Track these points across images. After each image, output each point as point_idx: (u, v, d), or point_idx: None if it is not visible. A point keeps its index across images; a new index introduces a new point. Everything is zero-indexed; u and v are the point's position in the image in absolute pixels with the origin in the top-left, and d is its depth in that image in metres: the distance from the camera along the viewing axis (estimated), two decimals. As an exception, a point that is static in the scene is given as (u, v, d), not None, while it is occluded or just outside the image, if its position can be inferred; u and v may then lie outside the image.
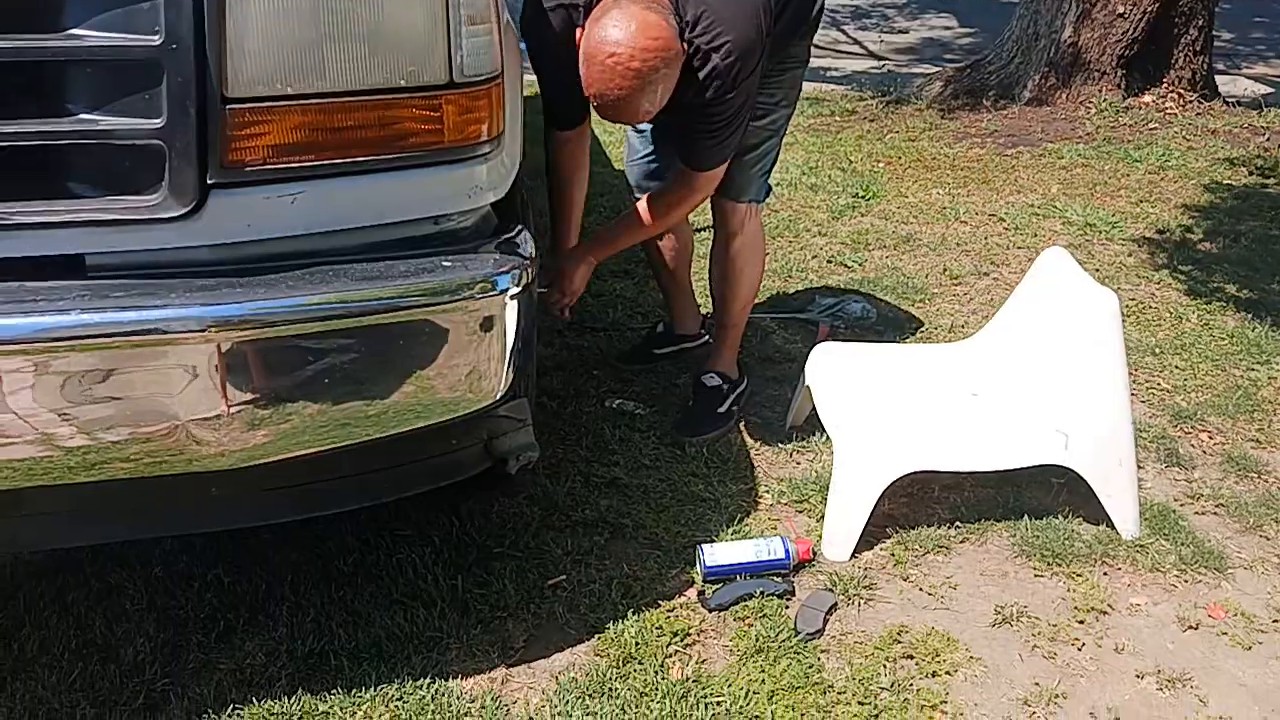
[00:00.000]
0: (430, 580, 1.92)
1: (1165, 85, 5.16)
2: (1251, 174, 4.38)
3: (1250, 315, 3.07)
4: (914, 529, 2.09)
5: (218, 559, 1.95)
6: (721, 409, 2.47)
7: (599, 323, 3.01)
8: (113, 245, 1.39)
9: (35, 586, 1.89)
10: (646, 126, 2.49)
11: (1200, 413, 2.55)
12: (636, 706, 1.67)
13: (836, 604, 1.90)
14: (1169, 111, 5.06)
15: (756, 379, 2.69)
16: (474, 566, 1.97)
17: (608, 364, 2.77)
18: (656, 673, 1.74)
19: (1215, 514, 2.18)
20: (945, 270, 3.42)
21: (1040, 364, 2.16)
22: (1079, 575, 1.98)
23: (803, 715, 1.65)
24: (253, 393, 1.43)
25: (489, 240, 1.63)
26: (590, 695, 1.69)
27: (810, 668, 1.75)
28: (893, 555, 2.03)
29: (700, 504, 2.19)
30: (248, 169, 1.39)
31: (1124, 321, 2.97)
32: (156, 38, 1.29)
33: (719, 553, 1.97)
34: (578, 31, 1.94)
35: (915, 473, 2.07)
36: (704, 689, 1.70)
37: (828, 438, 2.18)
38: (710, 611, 1.89)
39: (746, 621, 1.86)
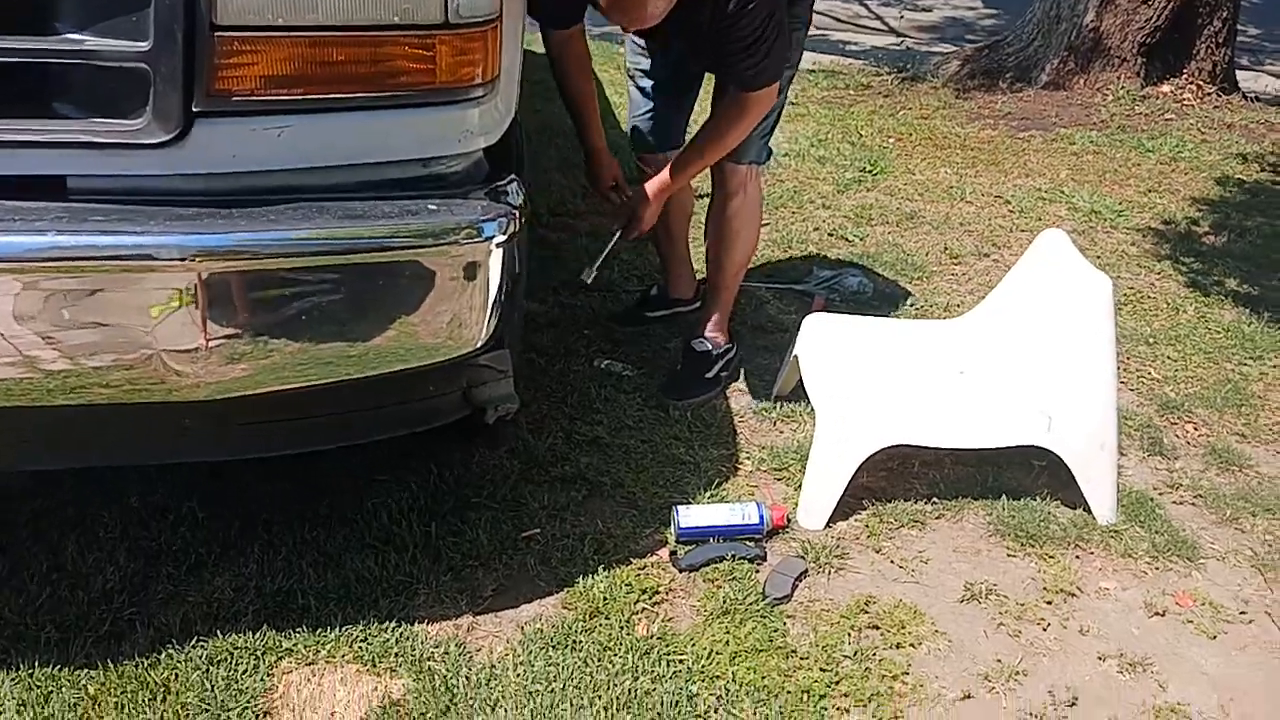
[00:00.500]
0: (404, 526, 1.93)
1: (1185, 76, 5.11)
2: (1264, 170, 4.34)
3: (1248, 310, 3.06)
4: (890, 502, 2.10)
5: (194, 494, 1.96)
6: (709, 374, 2.47)
7: (594, 283, 2.99)
8: (95, 169, 1.38)
9: (9, 509, 1.90)
10: (649, 82, 2.46)
11: (1188, 404, 2.54)
12: (599, 660, 1.68)
13: (807, 571, 1.91)
14: (1186, 103, 5.01)
15: (748, 348, 2.68)
16: (449, 515, 1.98)
17: (599, 324, 2.76)
18: (622, 628, 1.75)
19: (1193, 504, 2.18)
20: (946, 249, 3.40)
21: (1030, 345, 2.15)
22: (1051, 557, 1.98)
23: (764, 678, 1.66)
24: (232, 325, 1.43)
25: (479, 187, 1.62)
26: (554, 646, 1.70)
27: (775, 632, 1.75)
28: (867, 527, 2.04)
29: (679, 466, 2.19)
30: (234, 98, 1.37)
31: (1121, 310, 2.98)
32: (145, -42, 1.27)
33: (694, 514, 1.98)
34: None
35: (896, 446, 2.07)
36: (668, 646, 1.71)
37: (812, 409, 2.18)
38: (681, 571, 1.90)
39: (716, 583, 1.87)
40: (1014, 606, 1.86)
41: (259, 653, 1.65)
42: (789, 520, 2.03)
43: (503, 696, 1.61)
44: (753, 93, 2.12)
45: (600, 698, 1.60)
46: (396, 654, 1.67)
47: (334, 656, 1.66)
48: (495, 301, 1.59)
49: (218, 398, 1.47)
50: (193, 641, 1.66)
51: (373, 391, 1.63)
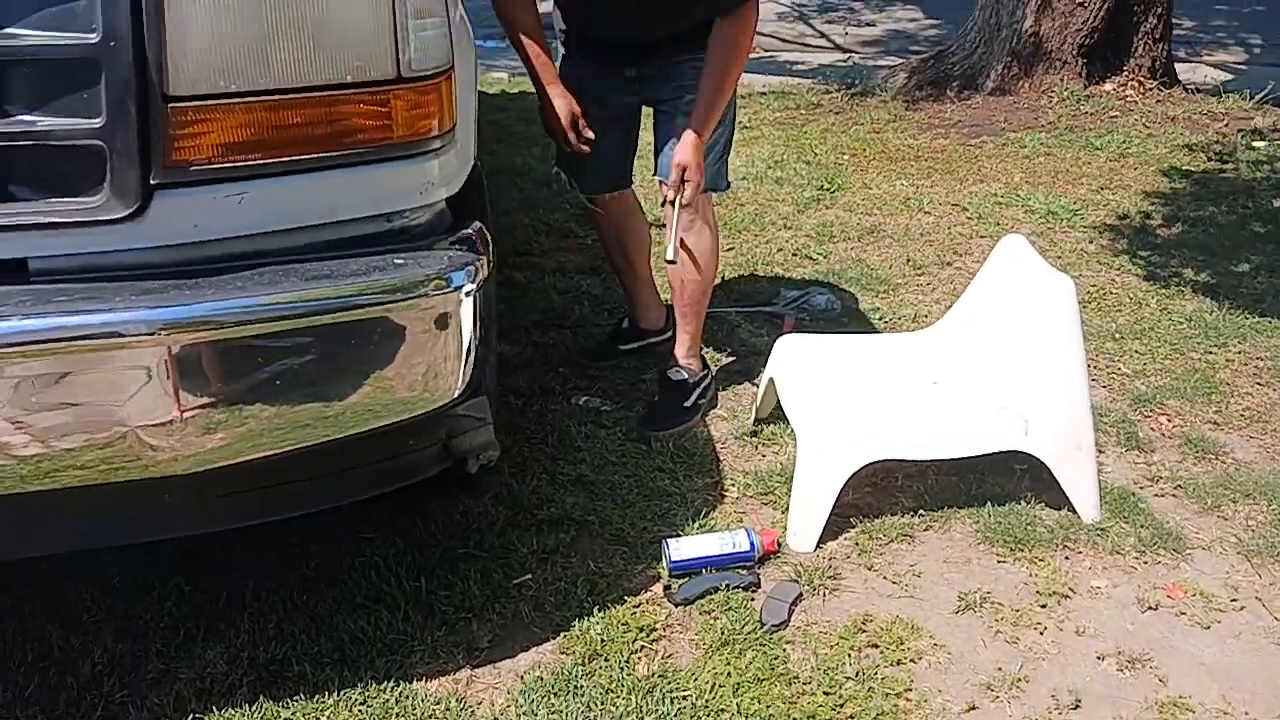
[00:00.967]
0: (394, 582, 1.91)
1: (1125, 73, 5.21)
2: (1210, 160, 4.43)
3: (1208, 299, 3.11)
4: (878, 518, 2.10)
5: (177, 567, 1.92)
6: (687, 403, 2.47)
7: (565, 320, 3.00)
8: (56, 249, 1.36)
9: (-11, 599, 1.86)
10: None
11: (1159, 396, 2.57)
12: (602, 704, 1.66)
13: (802, 594, 1.90)
14: (1129, 99, 5.11)
15: (722, 373, 2.69)
16: (438, 568, 1.96)
17: (573, 361, 2.76)
18: (622, 669, 1.73)
19: (1174, 496, 2.21)
20: (909, 260, 3.43)
21: (1000, 351, 2.17)
22: (1041, 560, 2.00)
23: (768, 707, 1.65)
24: (206, 395, 1.42)
25: (444, 236, 1.62)
26: (555, 694, 1.68)
27: (776, 659, 1.75)
28: (857, 544, 2.04)
29: (666, 499, 2.19)
30: (192, 168, 1.36)
31: (1085, 307, 3.02)
32: (94, 35, 1.26)
33: (684, 547, 1.97)
34: None
35: (878, 462, 2.08)
36: (670, 684, 1.70)
37: (792, 430, 2.19)
38: (676, 606, 1.89)
39: (712, 615, 1.86)
40: (1009, 613, 1.87)
41: (256, 725, 1.62)
42: (779, 544, 2.02)
43: (507, 749, 1.58)
44: (739, 9, 2.11)
45: (605, 741, 1.59)
46: (397, 714, 1.64)
47: (332, 722, 1.63)
48: (469, 350, 1.59)
49: (195, 470, 1.45)
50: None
51: (352, 451, 1.61)
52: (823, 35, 7.62)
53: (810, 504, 2.03)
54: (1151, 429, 2.46)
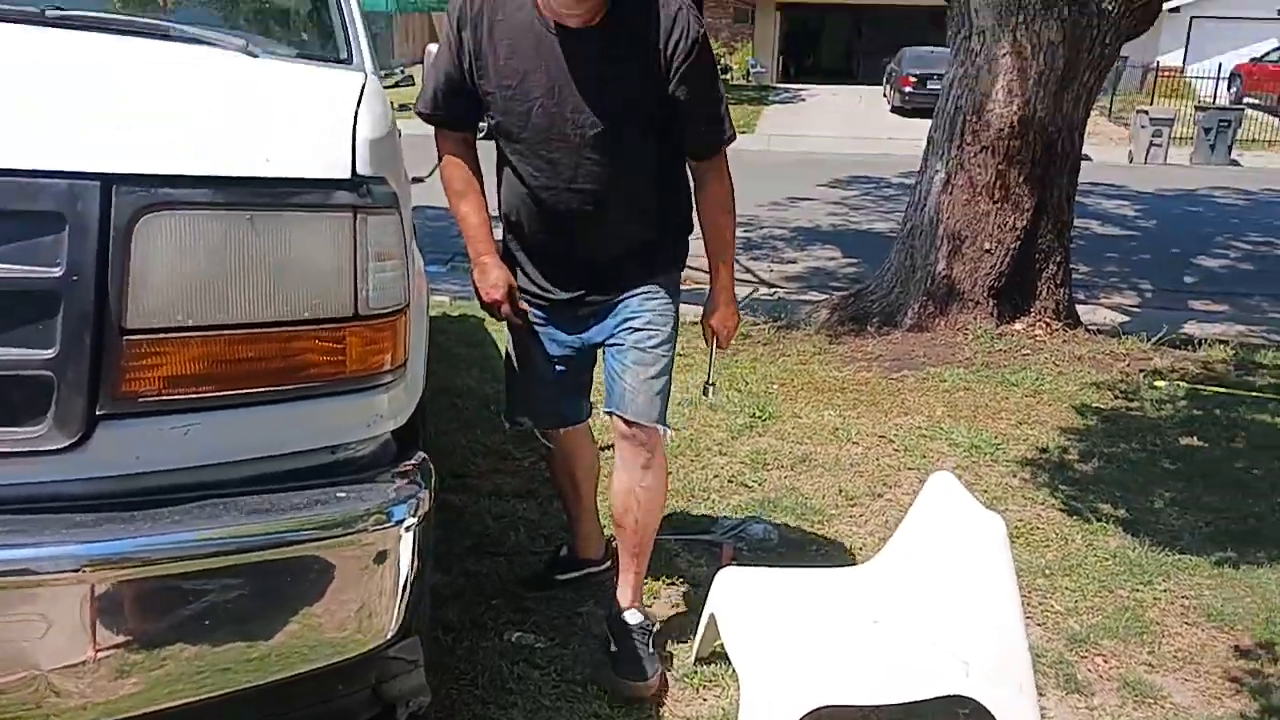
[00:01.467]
0: (306, 841, 1.75)
1: (1033, 314, 5.56)
2: (1117, 398, 4.68)
3: (1130, 535, 3.20)
4: (823, 767, 2.02)
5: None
6: (651, 649, 2.32)
7: (500, 546, 2.94)
8: (-14, 477, 1.32)
9: None
10: (545, 360, 2.39)
11: (1093, 635, 2.59)
12: None
13: None
14: (1039, 339, 5.43)
15: (661, 604, 2.64)
16: (355, 823, 1.80)
17: (507, 591, 2.68)
18: None
19: (1118, 743, 2.18)
20: (841, 491, 3.49)
21: (935, 590, 2.18)
22: (991, 813, 1.93)
23: None
24: (125, 635, 1.34)
25: (387, 468, 1.61)
26: None
27: None
28: (803, 797, 1.95)
29: (602, 744, 2.08)
30: (140, 400, 1.35)
31: (1014, 542, 3.07)
32: (57, 270, 1.28)
33: (622, 799, 1.86)
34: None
35: (822, 708, 2.02)
36: None
37: (734, 671, 2.13)
38: None
39: None
40: None
41: None
42: (721, 796, 1.92)
43: None
44: (724, 148, 2.21)
45: None
46: None
47: None
48: (406, 587, 1.54)
49: None
50: None
51: (275, 698, 1.52)
52: (749, 271, 8.04)
53: (753, 751, 1.95)
54: (1089, 670, 2.45)
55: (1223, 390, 4.72)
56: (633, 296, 2.30)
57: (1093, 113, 5.91)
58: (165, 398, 1.36)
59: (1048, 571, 2.94)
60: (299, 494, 1.47)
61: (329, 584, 1.47)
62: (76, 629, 1.31)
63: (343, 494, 1.50)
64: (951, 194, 5.43)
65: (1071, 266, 5.83)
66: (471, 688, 2.24)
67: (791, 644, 2.12)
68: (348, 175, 1.46)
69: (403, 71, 3.23)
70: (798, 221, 9.91)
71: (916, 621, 2.16)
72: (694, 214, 2.35)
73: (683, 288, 2.47)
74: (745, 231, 9.09)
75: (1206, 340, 5.67)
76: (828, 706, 2.02)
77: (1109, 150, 16.88)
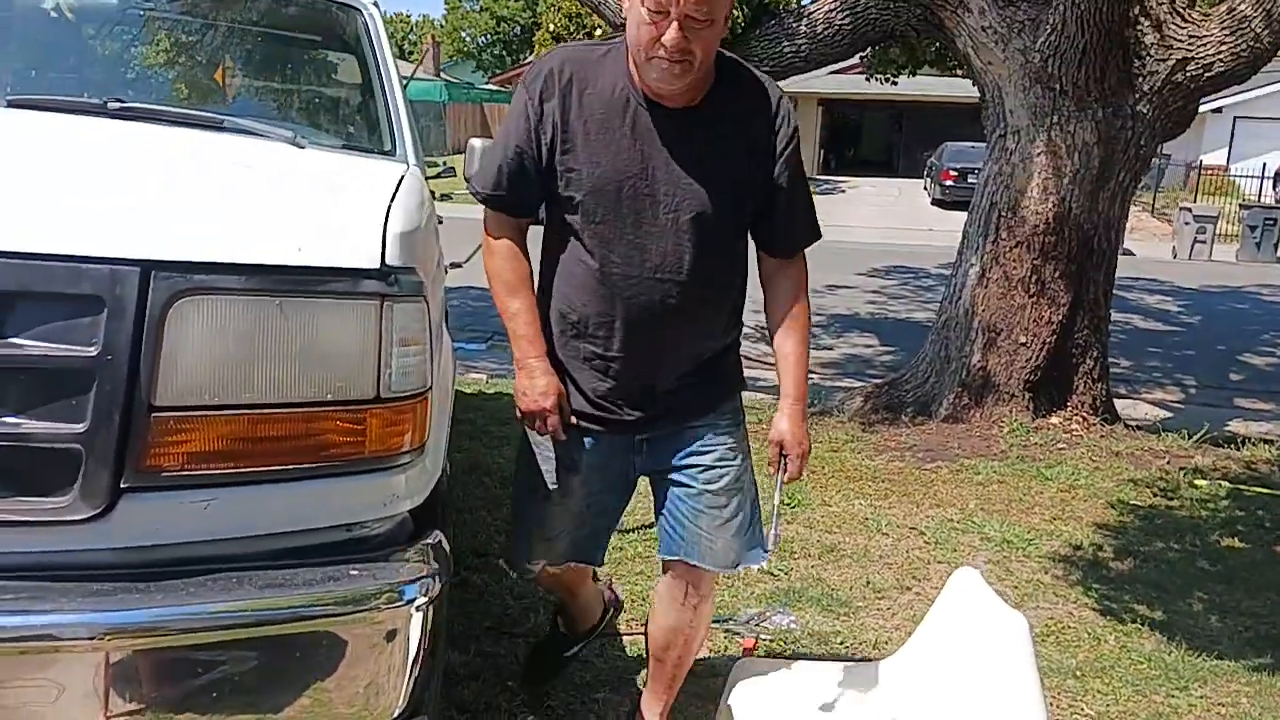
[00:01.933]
0: None
1: (1070, 408, 5.51)
2: (1155, 495, 4.59)
3: (1165, 638, 3.11)
4: None
5: None
6: None
7: (520, 628, 2.93)
8: (12, 545, 1.37)
9: None
10: (572, 493, 2.05)
11: (1124, 742, 2.51)
12: None
13: None
14: (1075, 433, 5.37)
15: (681, 692, 2.60)
16: None
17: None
18: None
19: None
20: (869, 583, 3.45)
21: (956, 688, 2.14)
22: None
23: None
24: (137, 704, 1.37)
25: (402, 547, 1.64)
26: None
27: None
28: None
29: (611, 837, 2.05)
30: (164, 474, 1.40)
31: (1044, 642, 3.01)
32: (93, 349, 1.34)
33: None
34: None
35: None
36: None
37: (746, 763, 2.10)
38: None
39: None
40: None
41: None
42: None
43: None
44: (805, 249, 2.05)
45: None
46: None
47: None
48: (414, 665, 1.56)
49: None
50: None
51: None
52: (785, 356, 8.07)
53: None
54: (1117, 778, 2.38)
55: (1266, 491, 4.62)
56: (699, 427, 2.04)
57: (1135, 208, 5.96)
58: (188, 473, 1.41)
59: (1079, 673, 2.87)
60: (312, 570, 1.50)
61: (339, 660, 1.49)
62: (89, 695, 1.34)
63: (355, 571, 1.53)
64: (986, 287, 5.46)
65: (1113, 361, 5.80)
66: (482, 773, 2.23)
67: (805, 739, 2.08)
68: (376, 265, 1.52)
69: (445, 164, 3.34)
70: (835, 309, 9.95)
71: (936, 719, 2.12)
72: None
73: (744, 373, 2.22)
74: (782, 319, 9.14)
75: (1250, 439, 5.57)
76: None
77: (1152, 246, 16.81)
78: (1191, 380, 7.75)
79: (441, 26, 47.31)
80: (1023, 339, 5.38)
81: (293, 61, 3.28)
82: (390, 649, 1.52)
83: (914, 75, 8.88)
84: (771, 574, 3.47)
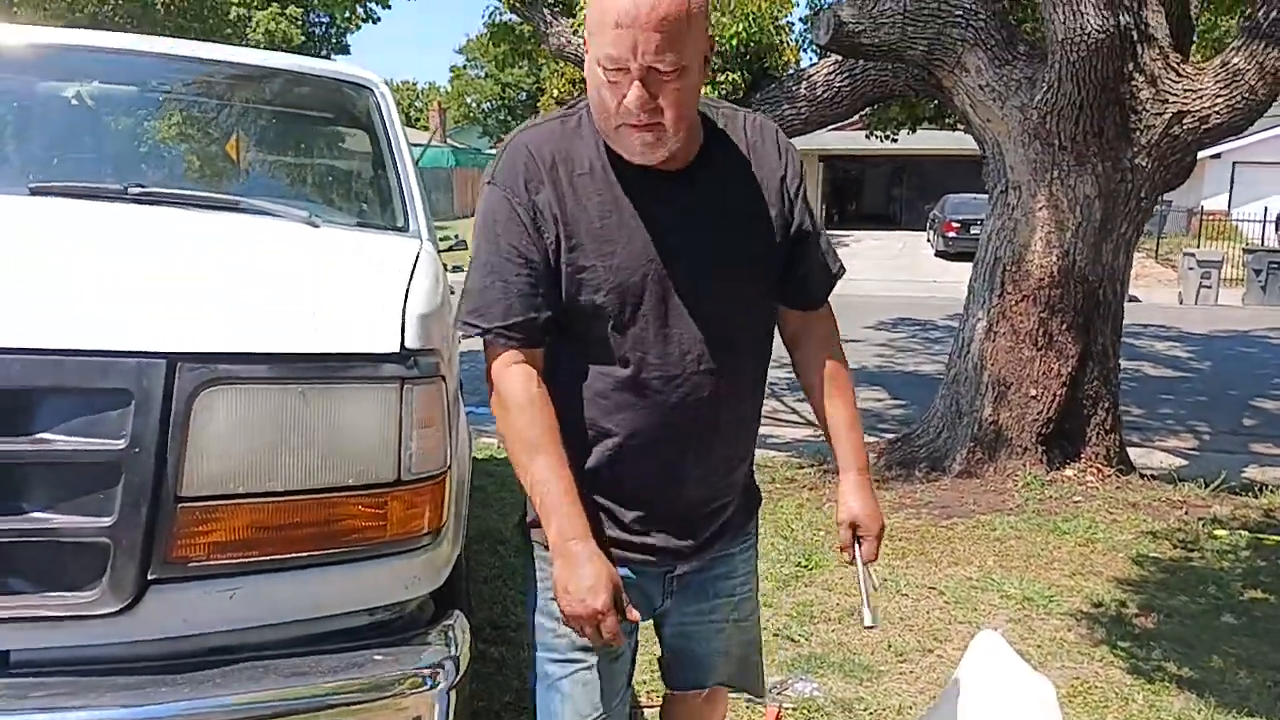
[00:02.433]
0: None
1: (1084, 460, 5.48)
2: (1175, 547, 4.54)
3: (1194, 695, 3.06)
4: None
5: None
6: None
7: (538, 701, 2.90)
8: (40, 641, 1.38)
9: None
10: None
11: (1157, 807, 2.46)
12: None
13: None
14: (1090, 485, 5.34)
15: (700, 766, 2.57)
16: None
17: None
18: None
19: None
20: (890, 646, 3.41)
21: (985, 757, 2.11)
22: None
23: None
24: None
25: (423, 630, 1.64)
26: None
27: None
28: None
29: None
30: (190, 564, 1.41)
31: (1071, 702, 2.96)
32: (121, 443, 1.36)
33: None
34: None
35: None
36: None
37: (773, 840, 2.06)
38: None
39: None
40: None
41: None
42: None
43: None
44: (829, 294, 1.79)
45: None
46: None
47: None
48: (439, 751, 1.55)
49: None
50: None
51: None
52: (794, 411, 8.06)
53: None
54: (1153, 846, 2.32)
55: (1286, 540, 4.58)
56: (732, 555, 1.81)
57: (1139, 254, 5.99)
58: (214, 562, 1.42)
59: (1107, 736, 2.82)
60: (336, 657, 1.50)
61: (363, 746, 1.48)
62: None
63: (379, 656, 1.53)
64: (995, 341, 5.47)
65: (1125, 409, 5.77)
66: None
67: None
68: (396, 349, 1.55)
69: (457, 237, 3.40)
70: (844, 364, 9.95)
71: (964, 791, 2.08)
72: None
73: None
74: (788, 371, 9.15)
75: (1268, 486, 5.52)
76: None
77: (1158, 292, 16.85)
78: (1205, 426, 7.71)
79: (447, 93, 48.24)
80: (1033, 392, 5.38)
81: (306, 140, 3.35)
82: (414, 733, 1.52)
83: (914, 132, 9.00)
84: (792, 639, 3.44)
